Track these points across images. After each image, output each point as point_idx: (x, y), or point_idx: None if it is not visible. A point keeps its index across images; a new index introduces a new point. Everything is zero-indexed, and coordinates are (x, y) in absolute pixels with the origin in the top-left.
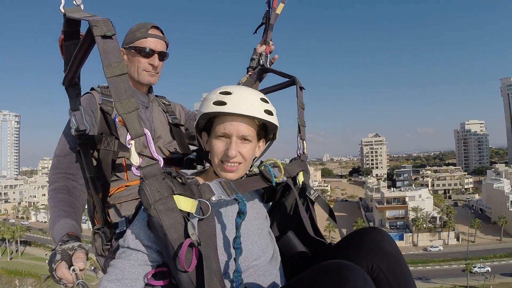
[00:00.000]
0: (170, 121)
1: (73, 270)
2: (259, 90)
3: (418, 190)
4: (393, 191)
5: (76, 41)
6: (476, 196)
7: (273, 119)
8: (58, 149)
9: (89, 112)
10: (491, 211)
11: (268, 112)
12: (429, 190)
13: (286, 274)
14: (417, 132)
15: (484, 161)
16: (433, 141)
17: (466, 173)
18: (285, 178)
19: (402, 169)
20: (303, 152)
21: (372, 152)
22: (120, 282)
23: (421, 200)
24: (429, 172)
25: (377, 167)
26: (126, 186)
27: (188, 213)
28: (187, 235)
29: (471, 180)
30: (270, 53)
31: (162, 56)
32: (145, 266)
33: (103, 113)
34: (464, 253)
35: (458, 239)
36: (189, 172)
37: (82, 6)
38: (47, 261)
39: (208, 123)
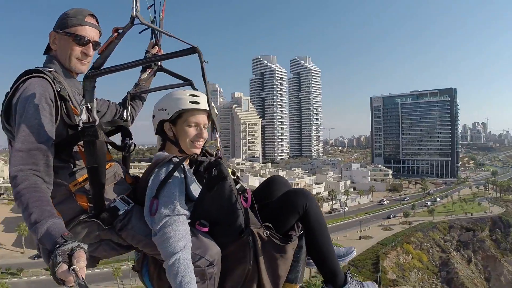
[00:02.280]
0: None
1: (73, 269)
2: (156, 87)
3: None
4: None
5: (118, 42)
6: None
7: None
8: (19, 143)
9: (49, 101)
10: None
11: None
12: None
13: None
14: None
15: None
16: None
17: None
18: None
19: None
20: None
21: None
22: (184, 238)
23: None
24: None
25: None
26: None
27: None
28: (239, 188)
29: None
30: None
31: (95, 45)
32: (187, 221)
33: (62, 100)
34: None
35: None
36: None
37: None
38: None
39: (177, 116)
